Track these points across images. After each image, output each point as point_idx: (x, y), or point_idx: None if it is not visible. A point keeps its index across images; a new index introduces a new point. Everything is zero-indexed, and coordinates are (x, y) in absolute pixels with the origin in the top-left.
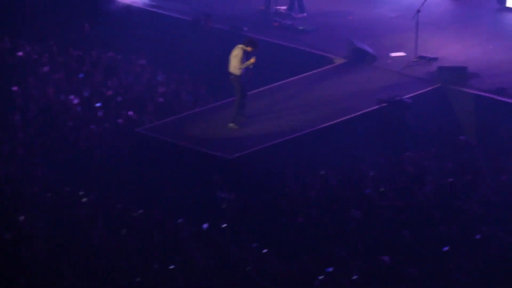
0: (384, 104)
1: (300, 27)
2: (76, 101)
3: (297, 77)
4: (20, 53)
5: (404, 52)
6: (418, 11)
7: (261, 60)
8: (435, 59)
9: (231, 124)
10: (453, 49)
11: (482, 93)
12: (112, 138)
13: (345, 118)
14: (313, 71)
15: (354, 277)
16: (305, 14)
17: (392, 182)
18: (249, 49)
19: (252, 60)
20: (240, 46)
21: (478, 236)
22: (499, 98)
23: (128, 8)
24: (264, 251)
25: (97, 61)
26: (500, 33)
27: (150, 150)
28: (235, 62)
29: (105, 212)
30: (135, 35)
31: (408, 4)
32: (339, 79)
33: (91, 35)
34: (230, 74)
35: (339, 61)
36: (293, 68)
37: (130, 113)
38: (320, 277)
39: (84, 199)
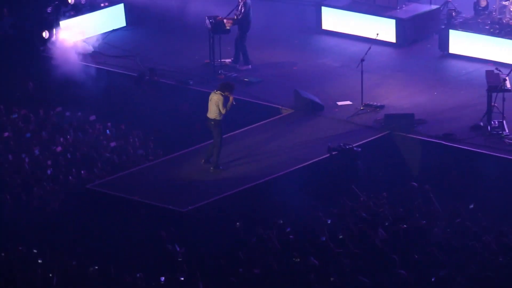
0: (334, 153)
1: (246, 79)
2: (27, 159)
3: (246, 128)
4: None
5: (351, 100)
6: (362, 60)
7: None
8: (381, 106)
9: (212, 169)
10: (398, 97)
11: (430, 139)
12: (64, 195)
13: (297, 167)
14: (261, 122)
15: None
16: (249, 66)
17: (348, 229)
18: (227, 93)
19: (231, 99)
20: (218, 92)
21: (433, 279)
22: (447, 143)
23: (74, 66)
24: None
25: (45, 119)
26: (443, 79)
27: (102, 206)
28: (215, 108)
29: (61, 270)
30: (82, 92)
31: (351, 54)
32: (288, 129)
33: (36, 94)
34: (211, 120)
35: (286, 111)
36: (241, 119)
37: (82, 171)
38: None
39: (40, 261)
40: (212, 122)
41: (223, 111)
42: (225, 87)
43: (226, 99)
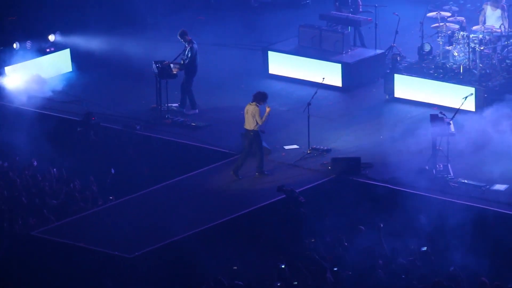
0: (283, 196)
1: (193, 123)
2: None
3: (192, 173)
4: None
5: (298, 144)
6: (309, 104)
7: (155, 157)
8: (328, 150)
9: (258, 174)
10: (345, 140)
11: (377, 183)
12: (8, 242)
13: (243, 212)
14: (208, 167)
15: None
16: (196, 111)
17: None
18: (262, 103)
19: (268, 109)
20: (253, 104)
21: None
22: (393, 187)
23: (16, 111)
24: None
25: None
26: (388, 123)
27: (47, 254)
28: (252, 119)
29: None
30: (25, 137)
31: (298, 98)
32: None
33: None
34: (250, 131)
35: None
36: (187, 164)
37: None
38: None
39: None
40: (252, 133)
41: (260, 122)
42: (260, 98)
43: (262, 109)
